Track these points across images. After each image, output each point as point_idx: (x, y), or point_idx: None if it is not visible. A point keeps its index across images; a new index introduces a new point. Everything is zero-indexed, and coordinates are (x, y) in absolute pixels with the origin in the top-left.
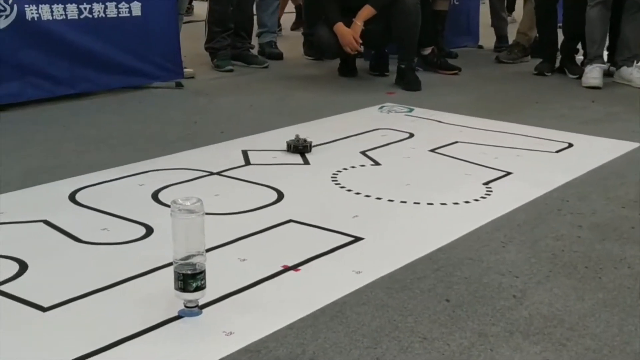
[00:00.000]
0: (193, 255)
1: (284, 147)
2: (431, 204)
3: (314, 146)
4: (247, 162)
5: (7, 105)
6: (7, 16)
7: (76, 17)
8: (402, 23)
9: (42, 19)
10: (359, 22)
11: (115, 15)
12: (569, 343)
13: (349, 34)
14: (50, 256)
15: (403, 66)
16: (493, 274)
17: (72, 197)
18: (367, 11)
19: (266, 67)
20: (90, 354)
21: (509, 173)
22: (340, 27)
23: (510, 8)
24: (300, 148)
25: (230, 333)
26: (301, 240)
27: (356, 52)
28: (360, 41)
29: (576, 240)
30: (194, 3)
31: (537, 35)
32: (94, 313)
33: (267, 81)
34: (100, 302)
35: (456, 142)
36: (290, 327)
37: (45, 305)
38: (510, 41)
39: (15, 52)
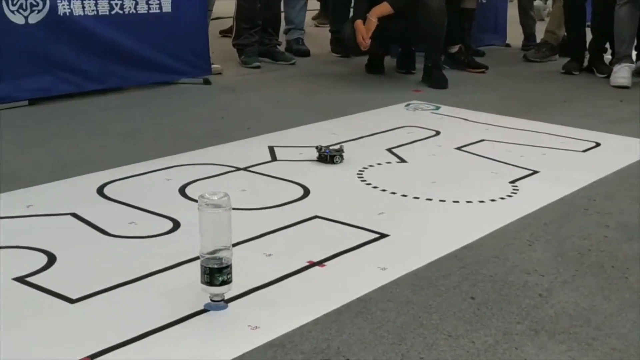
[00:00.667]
0: (220, 250)
1: (310, 143)
2: (457, 201)
3: (339, 143)
4: (274, 158)
5: (37, 99)
6: (39, 11)
7: (107, 13)
8: (426, 25)
9: (74, 14)
10: (372, 18)
11: (146, 11)
12: (595, 343)
13: (362, 31)
14: (78, 249)
15: (430, 64)
16: (519, 273)
17: (100, 191)
18: (383, 8)
19: (293, 63)
20: (117, 345)
21: (535, 172)
22: (358, 24)
23: None
24: (327, 160)
25: (256, 327)
26: (327, 236)
27: (372, 49)
28: (369, 41)
29: (603, 239)
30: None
31: (566, 34)
32: (121, 305)
33: (294, 78)
34: (127, 294)
35: (482, 140)
36: (315, 322)
37: (73, 297)
38: (538, 40)
39: (46, 47)
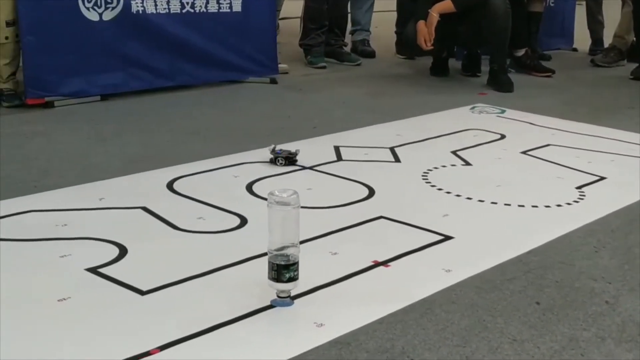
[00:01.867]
0: (287, 247)
1: (376, 144)
2: (522, 206)
3: (404, 145)
4: (339, 158)
5: (109, 95)
6: (113, 8)
7: (178, 11)
8: (491, 27)
9: (147, 11)
10: (434, 13)
11: (216, 11)
12: None
13: (423, 31)
14: (148, 242)
15: (495, 67)
16: (585, 279)
17: (169, 186)
18: (445, 5)
19: (359, 64)
20: (186, 338)
21: (602, 178)
22: (420, 24)
23: None
24: (280, 161)
25: (321, 325)
26: (391, 237)
27: (436, 50)
28: (430, 43)
29: None
30: None
31: (635, 39)
32: (189, 299)
33: (360, 79)
34: (195, 288)
35: (548, 144)
36: (380, 321)
37: (144, 289)
38: (606, 44)
39: (119, 44)
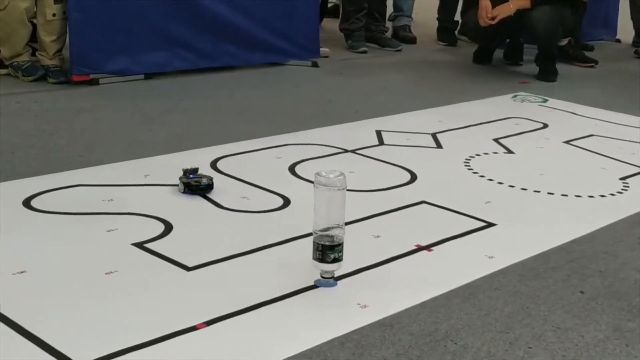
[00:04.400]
0: (332, 228)
1: (417, 129)
2: (565, 195)
3: (445, 131)
4: (381, 142)
5: (154, 74)
6: None
7: None
8: (538, 32)
9: None
10: (511, 5)
11: None
12: None
13: (487, 7)
14: (193, 219)
15: (540, 57)
16: (629, 270)
17: (213, 165)
18: (523, 2)
19: (399, 50)
20: (231, 314)
21: None
22: (484, 2)
23: None
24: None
25: (365, 306)
26: (434, 222)
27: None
28: (491, 17)
29: None
30: None
31: None
32: (234, 276)
33: (400, 64)
34: (240, 266)
35: (591, 135)
36: (423, 305)
37: (189, 265)
38: None
39: (164, 24)
